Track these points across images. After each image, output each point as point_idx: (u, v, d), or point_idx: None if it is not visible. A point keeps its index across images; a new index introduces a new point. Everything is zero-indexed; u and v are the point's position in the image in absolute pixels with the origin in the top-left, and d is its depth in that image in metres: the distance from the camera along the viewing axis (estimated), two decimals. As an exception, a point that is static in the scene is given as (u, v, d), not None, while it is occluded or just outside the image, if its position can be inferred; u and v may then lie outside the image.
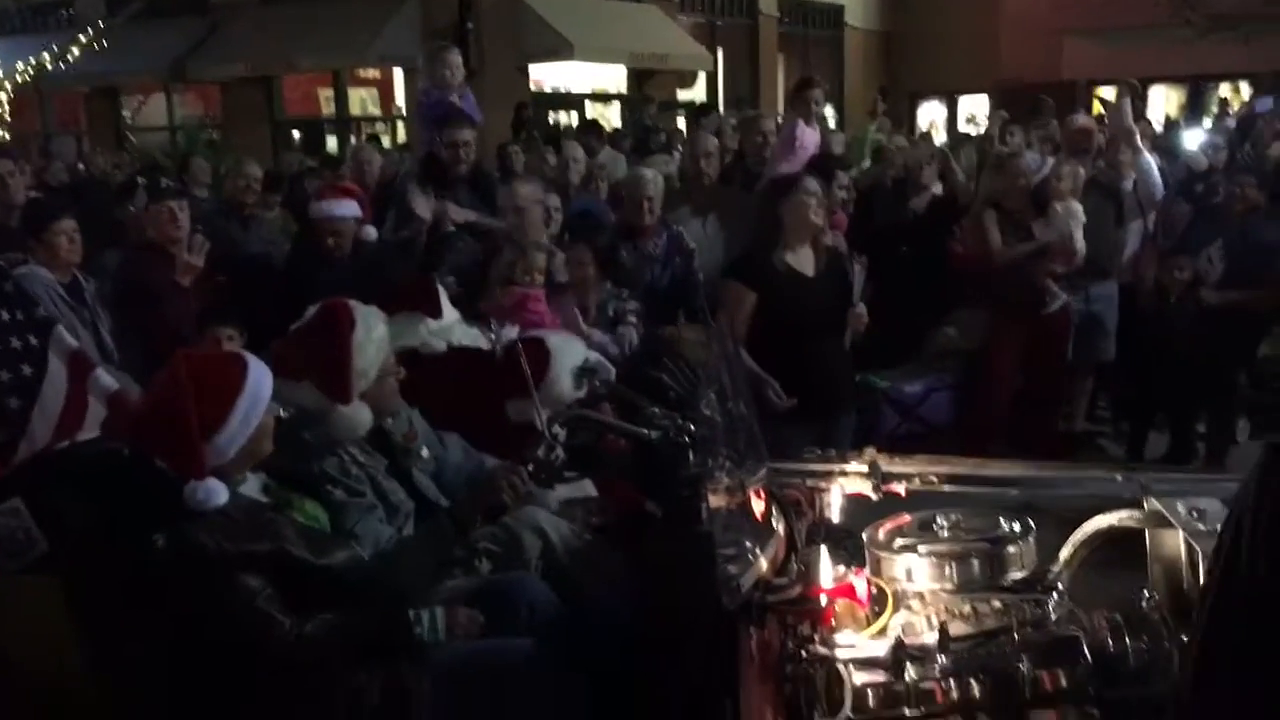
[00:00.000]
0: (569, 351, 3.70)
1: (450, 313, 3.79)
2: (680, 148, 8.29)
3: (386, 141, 16.15)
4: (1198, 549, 2.22)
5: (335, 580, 2.62)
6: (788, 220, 4.44)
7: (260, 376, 2.68)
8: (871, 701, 2.20)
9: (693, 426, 2.70)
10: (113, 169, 10.54)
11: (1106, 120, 7.74)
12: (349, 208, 5.17)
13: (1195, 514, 2.34)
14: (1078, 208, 5.96)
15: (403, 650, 2.61)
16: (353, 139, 15.90)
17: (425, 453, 3.33)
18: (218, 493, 2.49)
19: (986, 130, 10.13)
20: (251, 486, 2.73)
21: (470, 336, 3.84)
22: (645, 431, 2.88)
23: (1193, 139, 10.47)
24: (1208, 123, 12.95)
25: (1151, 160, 6.87)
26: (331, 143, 17.04)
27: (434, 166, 5.88)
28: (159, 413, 2.59)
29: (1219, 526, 2.26)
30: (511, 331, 3.92)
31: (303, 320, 3.22)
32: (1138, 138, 6.86)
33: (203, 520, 2.47)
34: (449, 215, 5.44)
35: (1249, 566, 1.38)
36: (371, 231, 5.51)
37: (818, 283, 4.54)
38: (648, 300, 5.11)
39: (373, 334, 3.11)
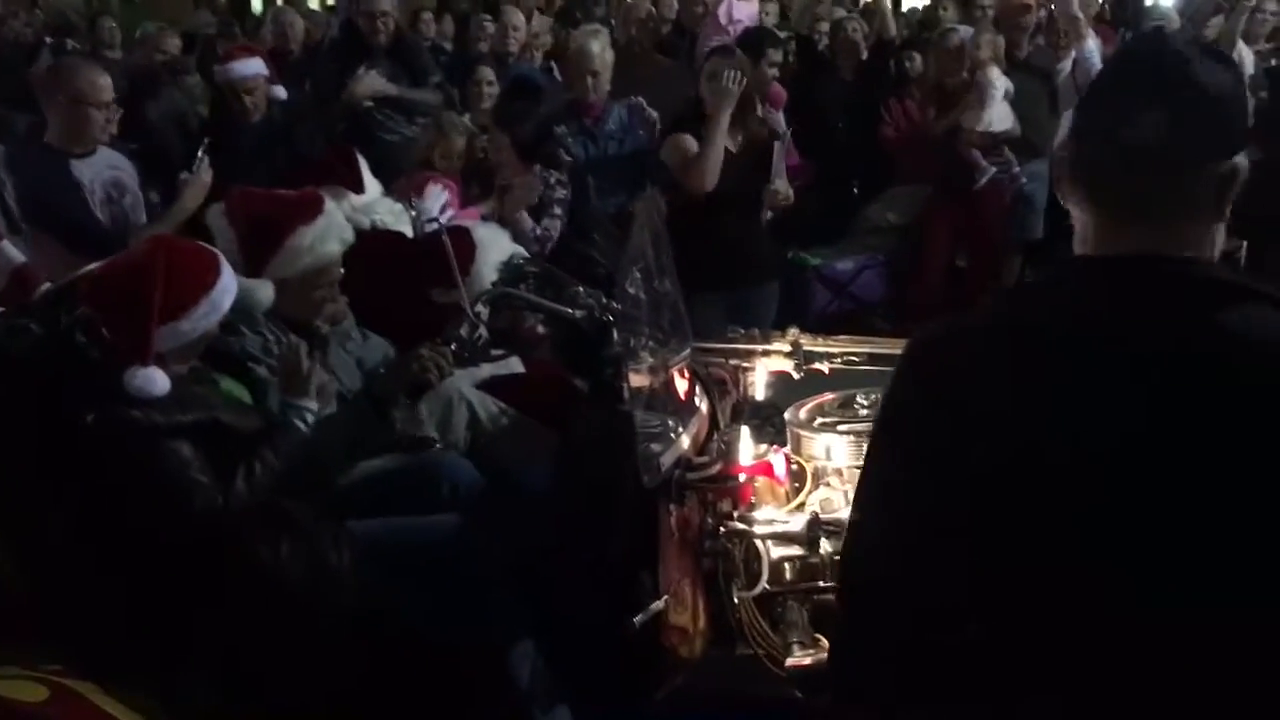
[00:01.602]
0: (495, 245, 3.60)
1: (373, 186, 3.68)
2: (614, 20, 8.02)
3: (314, 3, 15.49)
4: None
5: (260, 447, 2.61)
6: (706, 96, 4.36)
7: (229, 284, 2.69)
8: (788, 574, 2.25)
9: (617, 305, 2.68)
10: (24, 28, 9.96)
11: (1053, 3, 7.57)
12: (255, 65, 4.99)
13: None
14: (1000, 76, 5.92)
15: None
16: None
17: (353, 335, 3.27)
18: (157, 382, 2.47)
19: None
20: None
21: (394, 214, 3.73)
22: (569, 310, 2.86)
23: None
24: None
25: (1094, 45, 6.76)
26: (256, 2, 16.32)
27: (353, 36, 5.66)
28: (123, 287, 2.56)
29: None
30: (433, 209, 3.81)
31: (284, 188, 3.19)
32: (1082, 24, 6.75)
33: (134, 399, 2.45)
34: (367, 88, 5.27)
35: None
36: (281, 91, 5.32)
37: (738, 159, 4.48)
38: (601, 173, 4.94)
39: (324, 239, 3.03)
